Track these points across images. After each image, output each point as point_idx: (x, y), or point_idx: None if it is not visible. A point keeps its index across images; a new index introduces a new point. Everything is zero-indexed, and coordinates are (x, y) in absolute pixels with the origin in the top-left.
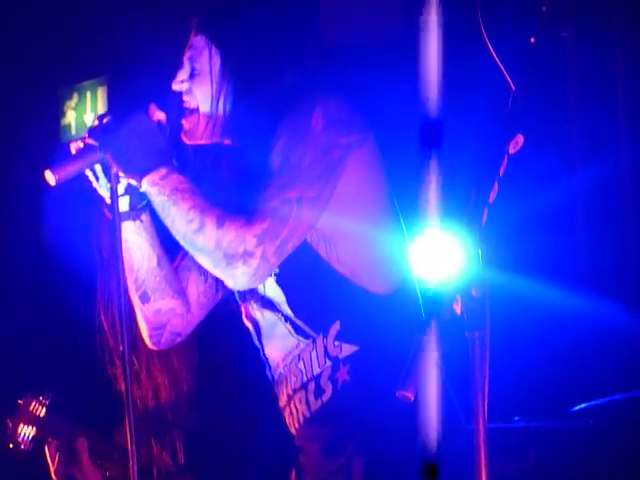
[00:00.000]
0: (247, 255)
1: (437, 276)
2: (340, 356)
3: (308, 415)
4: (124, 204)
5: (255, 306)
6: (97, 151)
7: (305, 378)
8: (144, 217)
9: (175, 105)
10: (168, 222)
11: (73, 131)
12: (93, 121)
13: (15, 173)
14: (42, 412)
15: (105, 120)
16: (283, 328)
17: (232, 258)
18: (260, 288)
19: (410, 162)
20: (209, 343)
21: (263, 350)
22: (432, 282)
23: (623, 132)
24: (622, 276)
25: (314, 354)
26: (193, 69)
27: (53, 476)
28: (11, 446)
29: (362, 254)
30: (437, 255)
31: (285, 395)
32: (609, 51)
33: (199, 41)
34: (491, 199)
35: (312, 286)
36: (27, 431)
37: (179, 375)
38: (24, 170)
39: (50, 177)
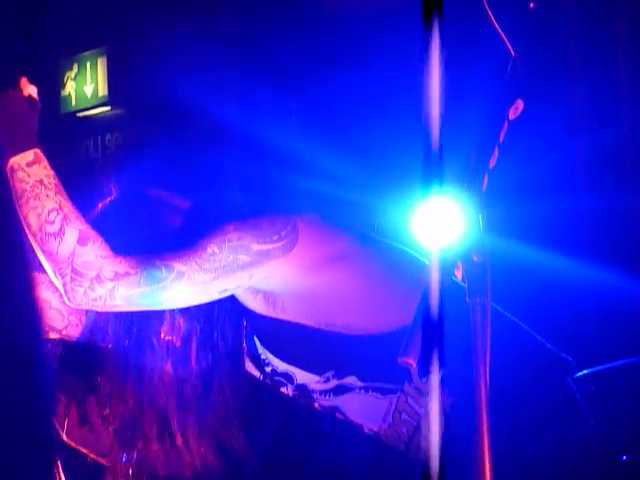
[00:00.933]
0: (97, 281)
1: (438, 242)
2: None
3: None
4: None
5: (326, 399)
6: None
7: (414, 422)
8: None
9: None
10: (21, 212)
11: (73, 102)
12: (97, 91)
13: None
14: (53, 362)
15: None
16: (368, 397)
17: (81, 277)
18: (326, 388)
19: (410, 128)
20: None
21: (356, 423)
22: (434, 249)
23: (625, 97)
24: (624, 241)
25: (411, 400)
26: None
27: (65, 438)
28: None
29: (381, 312)
30: (438, 221)
31: (403, 445)
32: (611, 16)
33: None
34: (491, 165)
35: (371, 357)
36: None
37: None
38: None
39: None
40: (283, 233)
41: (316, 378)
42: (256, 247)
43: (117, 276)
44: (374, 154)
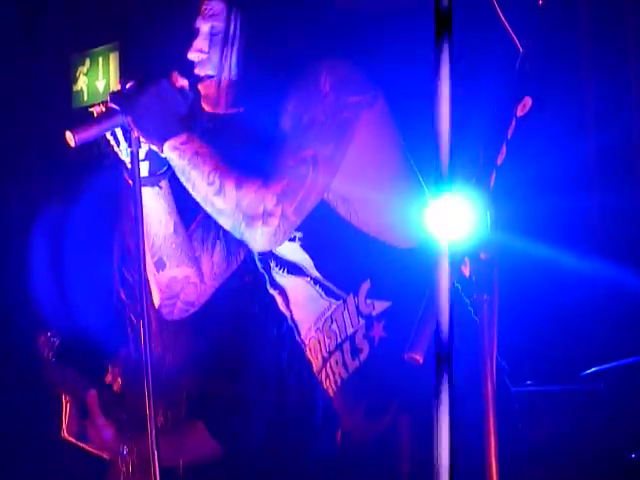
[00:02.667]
0: (267, 215)
1: (446, 238)
2: (373, 313)
3: (346, 376)
4: (144, 170)
5: (280, 272)
6: (118, 115)
7: (340, 339)
8: (163, 184)
9: (192, 72)
10: (189, 185)
11: (85, 97)
12: (109, 86)
13: (28, 138)
14: (51, 354)
15: (128, 85)
16: (313, 291)
17: (252, 219)
18: (285, 254)
19: (420, 125)
20: (233, 314)
21: (292, 316)
22: (442, 245)
23: (635, 94)
24: (634, 239)
25: (346, 314)
26: (212, 35)
27: (65, 434)
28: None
29: (381, 212)
30: (446, 218)
31: (320, 358)
32: (620, 14)
33: (217, 5)
34: (499, 162)
35: (337, 247)
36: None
37: (191, 344)
38: (37, 135)
39: (70, 138)
40: (368, 85)
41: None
42: (352, 100)
43: (278, 197)
44: None
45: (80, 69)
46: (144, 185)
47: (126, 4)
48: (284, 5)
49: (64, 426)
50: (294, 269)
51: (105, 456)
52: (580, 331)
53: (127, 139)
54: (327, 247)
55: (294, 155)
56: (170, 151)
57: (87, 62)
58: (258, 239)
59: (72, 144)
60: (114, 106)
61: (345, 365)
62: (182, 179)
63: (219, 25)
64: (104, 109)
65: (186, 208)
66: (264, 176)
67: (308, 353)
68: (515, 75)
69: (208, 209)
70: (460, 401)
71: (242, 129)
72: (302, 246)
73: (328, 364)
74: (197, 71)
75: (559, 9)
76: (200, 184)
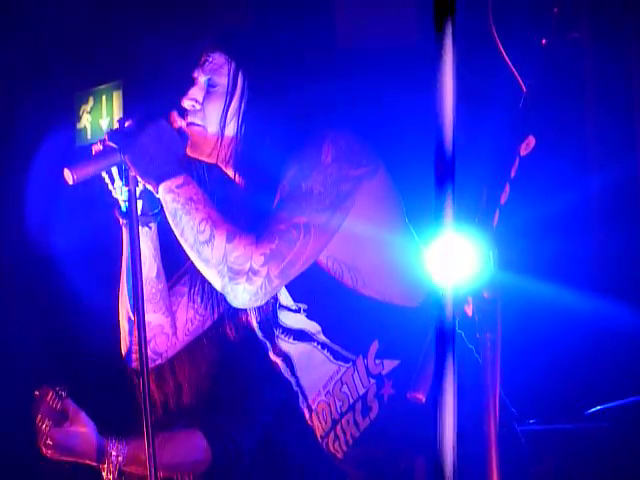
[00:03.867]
0: (252, 273)
1: (449, 278)
2: (383, 372)
3: (357, 435)
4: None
5: (286, 339)
6: (116, 153)
7: (352, 400)
8: (152, 225)
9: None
10: (178, 230)
11: (88, 135)
12: (112, 124)
13: (31, 176)
14: (59, 404)
15: (126, 124)
16: (321, 356)
17: (237, 274)
18: (291, 324)
19: (423, 166)
20: (234, 382)
21: (298, 381)
22: (445, 285)
23: (638, 134)
24: (636, 279)
25: (356, 376)
26: (209, 87)
27: (46, 448)
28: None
29: (386, 275)
30: (449, 257)
31: (330, 421)
32: (624, 52)
33: (218, 59)
34: (503, 201)
35: (344, 314)
36: (44, 423)
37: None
38: (40, 173)
39: (68, 175)
40: (370, 157)
41: (291, 302)
42: (353, 172)
43: (266, 258)
44: None
45: (84, 107)
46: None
47: (130, 43)
48: (289, 69)
49: (44, 440)
50: (301, 335)
51: (91, 462)
52: (584, 370)
53: (123, 177)
54: (334, 314)
55: (287, 220)
56: (165, 193)
57: (91, 100)
58: (239, 296)
59: (70, 182)
60: (112, 144)
61: (356, 424)
62: (172, 222)
63: (218, 79)
64: (101, 147)
65: (169, 259)
66: (256, 234)
67: (314, 418)
68: (518, 114)
69: (193, 257)
70: (463, 440)
71: (233, 186)
72: (308, 316)
73: (339, 426)
74: (188, 119)
75: (563, 48)
76: (189, 231)
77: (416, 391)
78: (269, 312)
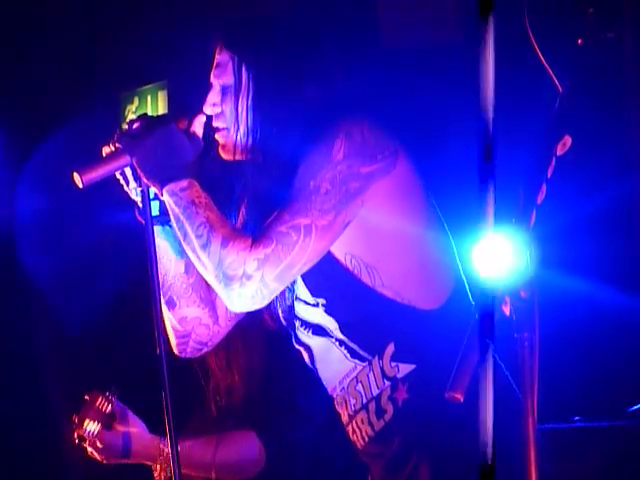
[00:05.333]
0: (245, 277)
1: (488, 278)
2: (398, 376)
3: (373, 434)
4: (155, 209)
5: (305, 332)
6: (125, 156)
7: (365, 399)
8: (173, 223)
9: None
10: (181, 234)
11: None
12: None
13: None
14: (109, 408)
15: (134, 126)
16: (338, 352)
17: (231, 279)
18: (309, 318)
19: (462, 165)
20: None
21: (317, 373)
22: (484, 284)
23: None
24: None
25: (371, 376)
26: (224, 88)
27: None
28: (77, 442)
29: (405, 275)
30: (487, 257)
31: (346, 415)
32: None
33: (223, 58)
34: (539, 201)
35: (362, 312)
36: (93, 427)
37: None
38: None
39: (77, 179)
40: (386, 151)
41: (309, 296)
42: (364, 170)
43: (259, 263)
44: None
45: (129, 107)
46: (155, 224)
47: (175, 43)
48: (297, 59)
49: (94, 444)
50: (319, 330)
51: (146, 461)
52: (625, 368)
53: (137, 179)
54: (351, 312)
55: (289, 221)
56: (169, 196)
57: (136, 100)
58: (234, 301)
59: (80, 185)
60: (119, 146)
61: (371, 424)
62: (176, 227)
63: (227, 79)
64: (112, 149)
65: None
66: (253, 238)
67: (337, 406)
68: (555, 114)
69: (195, 262)
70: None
71: (252, 181)
72: (326, 311)
73: (354, 421)
74: (214, 123)
75: (599, 48)
76: (190, 235)
77: (454, 391)
78: (287, 301)
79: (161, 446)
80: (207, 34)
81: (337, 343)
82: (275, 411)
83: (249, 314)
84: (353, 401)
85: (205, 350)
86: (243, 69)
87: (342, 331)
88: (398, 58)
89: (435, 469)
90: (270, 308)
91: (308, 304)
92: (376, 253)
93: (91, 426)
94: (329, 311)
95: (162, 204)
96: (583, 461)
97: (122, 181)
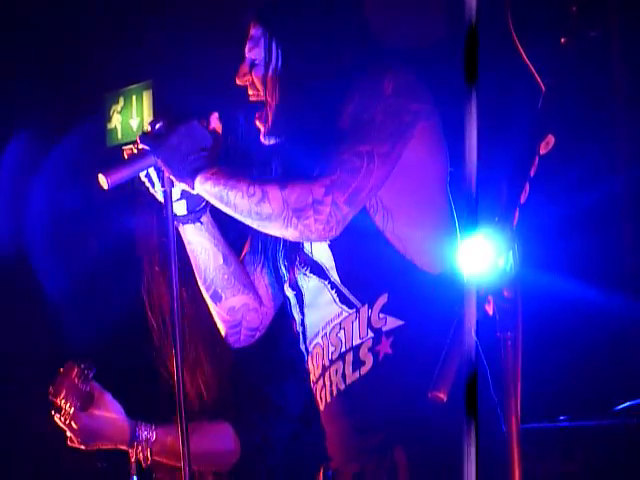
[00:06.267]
0: (317, 203)
1: (471, 277)
2: (384, 328)
3: (343, 387)
4: (182, 208)
5: (303, 270)
6: (149, 156)
7: (344, 348)
8: (204, 219)
9: (244, 109)
10: (230, 208)
11: (119, 135)
12: (142, 124)
13: (62, 177)
14: (85, 386)
15: (157, 126)
16: (328, 295)
17: (302, 210)
18: (311, 251)
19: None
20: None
21: (303, 319)
22: (467, 283)
23: None
24: None
25: (356, 324)
26: (252, 60)
27: (75, 440)
28: (53, 413)
29: (416, 230)
30: (471, 256)
31: (320, 367)
32: None
33: (256, 31)
34: (522, 200)
35: (364, 255)
36: (69, 401)
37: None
38: (71, 174)
39: (103, 180)
40: (429, 97)
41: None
42: (412, 106)
43: (327, 188)
44: None
45: (114, 107)
46: (186, 223)
47: (160, 43)
48: (327, 35)
49: (68, 423)
50: (316, 269)
51: (122, 446)
52: (609, 367)
53: (161, 179)
54: (353, 251)
55: (349, 150)
56: (202, 183)
57: (121, 100)
58: (312, 227)
59: (105, 187)
60: (144, 147)
61: (344, 376)
62: (221, 205)
63: (257, 50)
64: (135, 150)
65: (232, 235)
66: (313, 173)
67: (310, 362)
68: (538, 114)
69: (254, 223)
70: (484, 439)
71: (287, 159)
72: (330, 245)
73: (327, 373)
74: (250, 97)
75: (583, 47)
76: (241, 201)
77: (438, 390)
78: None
79: (137, 431)
80: (239, 10)
81: (329, 286)
82: (249, 403)
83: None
84: (332, 349)
85: (258, 335)
86: (274, 44)
87: (338, 271)
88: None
89: (412, 455)
90: (276, 245)
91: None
92: (397, 197)
93: (67, 399)
94: (332, 245)
95: (190, 202)
96: (568, 461)
97: (147, 183)
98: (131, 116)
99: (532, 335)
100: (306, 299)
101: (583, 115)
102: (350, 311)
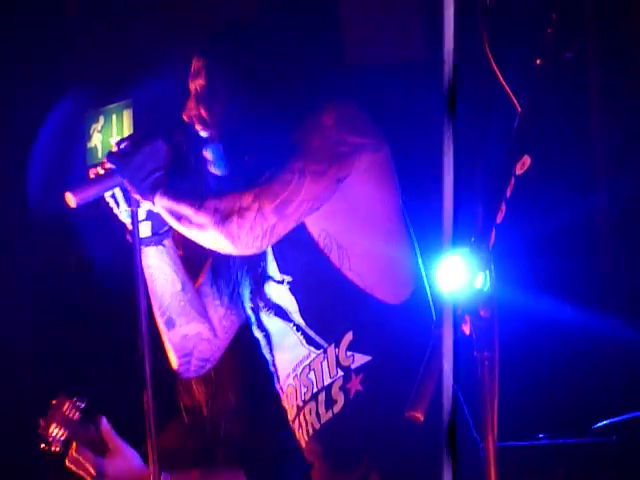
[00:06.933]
0: (242, 209)
1: (448, 296)
2: (353, 366)
3: (318, 427)
4: (146, 229)
5: (268, 314)
6: (115, 175)
7: (315, 389)
8: (166, 242)
9: (194, 136)
10: (179, 223)
11: (99, 154)
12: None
13: (42, 196)
14: (76, 415)
15: (123, 145)
16: (294, 338)
17: (228, 216)
18: (273, 296)
19: (423, 182)
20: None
21: (273, 360)
22: (444, 303)
23: None
24: (635, 294)
25: (325, 364)
26: (196, 93)
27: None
28: (43, 446)
29: (373, 263)
30: (447, 275)
31: (295, 407)
32: (632, 68)
33: (198, 63)
34: (499, 220)
35: (324, 295)
36: (59, 433)
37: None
38: (51, 192)
39: (71, 199)
40: (373, 131)
41: (277, 273)
42: (352, 139)
43: (255, 195)
44: None
45: (94, 126)
46: (148, 245)
47: (139, 61)
48: (266, 63)
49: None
50: (280, 312)
51: None
52: (586, 385)
53: (127, 199)
54: (314, 293)
55: (283, 166)
56: (160, 199)
57: (101, 119)
58: (235, 233)
59: (73, 205)
60: (110, 166)
61: (318, 415)
62: (173, 221)
63: (201, 83)
64: (101, 170)
65: (191, 264)
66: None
67: (285, 401)
68: (514, 134)
69: (192, 233)
70: (462, 458)
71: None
72: (290, 289)
73: (302, 413)
74: (196, 128)
75: (559, 68)
76: (185, 211)
77: (415, 410)
78: (258, 278)
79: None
80: (179, 45)
81: (294, 328)
82: (263, 449)
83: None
84: (304, 390)
85: (208, 367)
86: (215, 73)
87: (302, 314)
88: (362, 75)
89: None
90: (242, 289)
91: (275, 281)
92: (349, 234)
93: (58, 432)
94: (293, 289)
95: (154, 223)
96: (547, 479)
97: (112, 203)
98: (111, 135)
99: (509, 354)
100: (274, 341)
101: (559, 135)
102: (318, 352)
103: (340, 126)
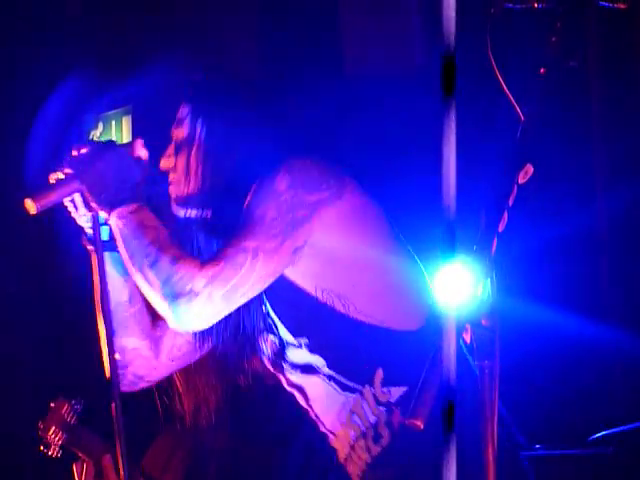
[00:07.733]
0: (193, 294)
1: (449, 306)
2: (392, 400)
3: (370, 461)
4: (104, 234)
5: (295, 373)
6: (74, 180)
7: (363, 428)
8: (120, 244)
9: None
10: (127, 254)
11: None
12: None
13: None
14: (74, 418)
15: (83, 150)
16: (329, 388)
17: (178, 295)
18: (296, 359)
19: (424, 193)
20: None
21: (313, 411)
22: (446, 312)
23: None
24: (636, 304)
25: (366, 405)
26: (177, 141)
27: None
28: (42, 448)
29: (378, 300)
30: (449, 285)
31: (347, 447)
32: (634, 79)
33: (183, 111)
34: (501, 228)
35: (344, 343)
36: (57, 437)
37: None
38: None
39: (31, 205)
40: (331, 181)
41: (291, 338)
42: (309, 199)
43: (208, 280)
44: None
45: (93, 133)
46: (103, 250)
47: (140, 68)
48: (247, 108)
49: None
50: (307, 369)
51: None
52: (586, 396)
53: (86, 204)
54: (335, 345)
55: (237, 244)
56: (117, 219)
57: (100, 126)
58: (181, 317)
59: (33, 211)
60: (69, 171)
61: (369, 450)
62: (122, 247)
63: (184, 132)
64: (61, 175)
65: None
66: (202, 258)
67: (335, 441)
68: (516, 143)
69: (139, 281)
70: (463, 466)
71: (199, 236)
72: (310, 351)
73: (354, 451)
74: (169, 176)
75: (562, 77)
76: (137, 254)
77: (415, 417)
78: (277, 349)
79: None
80: (173, 68)
81: (326, 379)
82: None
83: (237, 368)
84: (352, 433)
85: (141, 385)
86: (198, 122)
87: (329, 366)
88: (361, 88)
89: None
90: (258, 354)
91: (293, 346)
92: (345, 282)
93: (56, 434)
94: (313, 350)
95: (111, 230)
96: None
97: (71, 207)
98: None
99: (509, 364)
100: (309, 394)
101: (562, 144)
102: (354, 396)
103: (295, 188)
